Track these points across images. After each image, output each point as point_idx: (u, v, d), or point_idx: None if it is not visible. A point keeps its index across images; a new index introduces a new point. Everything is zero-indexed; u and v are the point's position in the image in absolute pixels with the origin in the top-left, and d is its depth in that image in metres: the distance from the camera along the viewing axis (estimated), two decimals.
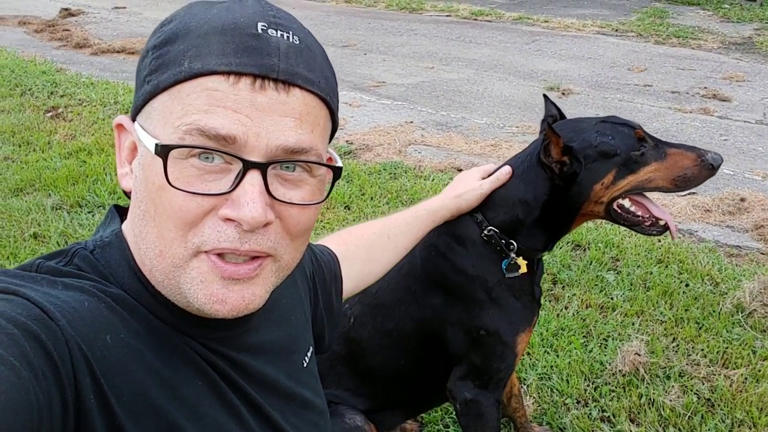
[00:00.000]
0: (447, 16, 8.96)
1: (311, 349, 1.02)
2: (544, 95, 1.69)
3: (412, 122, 5.01)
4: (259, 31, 0.69)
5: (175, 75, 0.68)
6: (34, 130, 4.65)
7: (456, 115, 5.17)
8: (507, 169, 1.53)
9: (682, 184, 1.45)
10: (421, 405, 1.86)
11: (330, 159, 0.79)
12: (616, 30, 7.96)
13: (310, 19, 8.50)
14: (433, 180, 3.91)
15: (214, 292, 0.70)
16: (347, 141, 4.60)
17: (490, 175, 1.55)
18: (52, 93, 5.46)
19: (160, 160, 0.67)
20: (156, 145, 0.67)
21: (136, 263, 0.75)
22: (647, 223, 1.50)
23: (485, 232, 1.51)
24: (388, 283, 1.64)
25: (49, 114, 5.00)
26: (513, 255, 1.51)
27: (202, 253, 0.70)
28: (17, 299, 0.62)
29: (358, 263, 1.31)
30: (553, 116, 1.60)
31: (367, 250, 1.36)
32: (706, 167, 1.43)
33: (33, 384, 0.55)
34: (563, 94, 5.58)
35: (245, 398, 0.82)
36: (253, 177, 0.68)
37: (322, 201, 0.77)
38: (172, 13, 0.75)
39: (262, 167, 0.68)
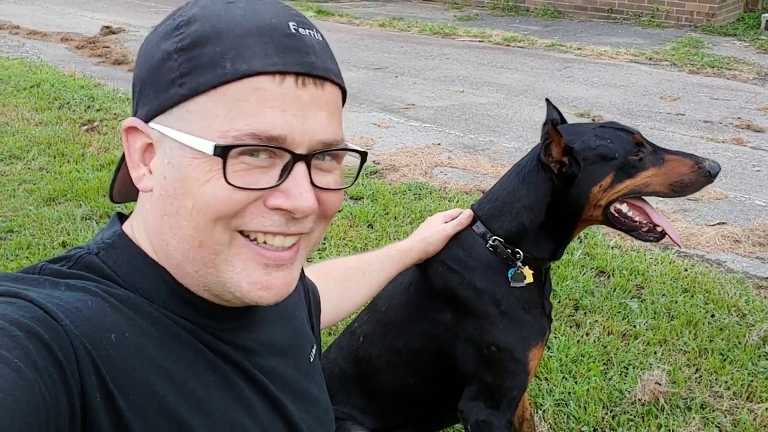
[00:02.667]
0: (480, 41, 8.99)
1: (315, 346, 1.03)
2: (547, 99, 1.70)
3: (439, 144, 5.02)
4: (293, 30, 0.73)
5: (219, 77, 0.70)
6: (70, 142, 4.77)
7: (484, 139, 5.17)
8: (468, 212, 1.58)
9: (679, 189, 1.48)
10: (432, 425, 1.83)
11: None
12: (650, 59, 7.90)
13: (344, 42, 8.60)
14: (457, 202, 3.90)
15: (257, 279, 0.75)
16: (374, 161, 4.62)
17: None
18: (88, 107, 5.60)
19: (208, 160, 0.70)
20: (215, 146, 0.69)
21: (150, 258, 0.77)
22: (644, 229, 1.52)
23: (490, 242, 1.52)
24: (398, 301, 1.63)
25: (85, 127, 5.13)
26: (519, 264, 1.51)
27: (241, 236, 0.73)
28: (20, 301, 0.62)
29: (333, 296, 1.33)
30: (554, 120, 1.60)
31: (344, 284, 1.39)
32: (703, 174, 1.46)
33: (39, 385, 0.55)
34: (593, 120, 5.55)
35: (259, 388, 0.83)
36: (301, 168, 0.73)
37: (353, 184, 0.83)
38: (179, 10, 0.76)
39: (307, 159, 0.73)
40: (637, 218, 1.51)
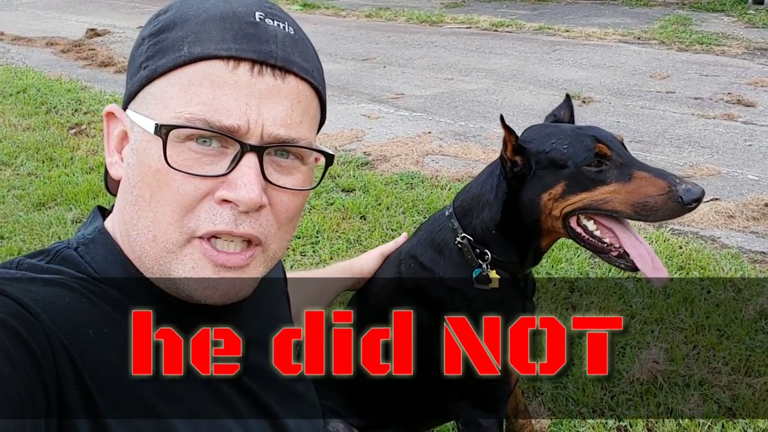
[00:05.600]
0: (467, 28, 8.96)
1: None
2: (567, 95, 1.61)
3: (430, 133, 5.00)
4: (257, 19, 0.72)
5: (174, 60, 0.70)
6: (58, 146, 4.74)
7: (474, 125, 5.15)
8: (404, 234, 1.63)
9: (643, 212, 1.29)
10: (416, 424, 1.78)
11: None
12: (639, 38, 7.88)
13: (331, 34, 8.56)
14: (449, 189, 3.88)
15: (206, 277, 0.72)
16: (365, 152, 4.60)
17: None
18: (76, 110, 5.56)
19: (158, 143, 0.68)
20: (156, 125, 0.68)
21: (124, 254, 0.75)
22: (614, 254, 1.35)
23: (458, 239, 1.44)
24: (375, 302, 1.57)
25: (73, 131, 5.09)
26: (485, 266, 1.41)
27: (195, 239, 0.71)
28: None
29: None
30: (555, 116, 1.53)
31: (292, 290, 1.38)
32: (673, 200, 1.26)
33: (15, 380, 0.54)
34: (584, 102, 5.53)
35: (240, 387, 0.81)
36: (250, 159, 0.70)
37: (314, 188, 0.79)
38: (167, 4, 0.77)
39: (259, 151, 0.70)
40: (606, 239, 1.35)
